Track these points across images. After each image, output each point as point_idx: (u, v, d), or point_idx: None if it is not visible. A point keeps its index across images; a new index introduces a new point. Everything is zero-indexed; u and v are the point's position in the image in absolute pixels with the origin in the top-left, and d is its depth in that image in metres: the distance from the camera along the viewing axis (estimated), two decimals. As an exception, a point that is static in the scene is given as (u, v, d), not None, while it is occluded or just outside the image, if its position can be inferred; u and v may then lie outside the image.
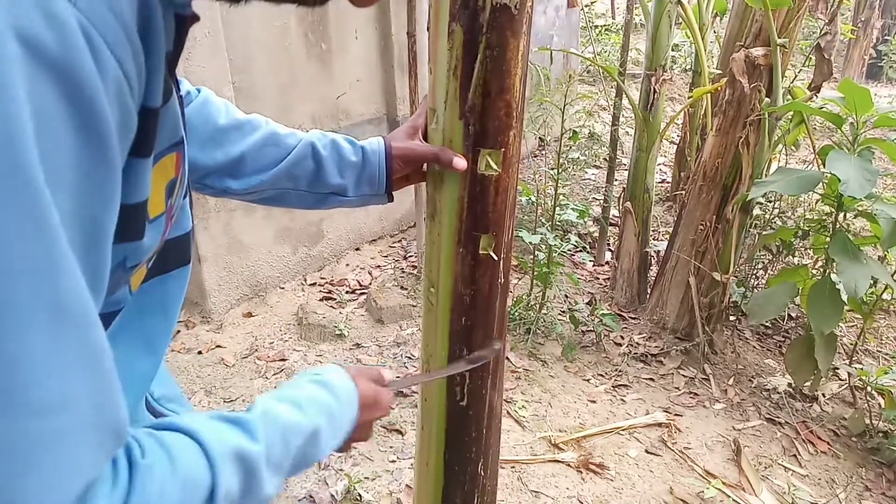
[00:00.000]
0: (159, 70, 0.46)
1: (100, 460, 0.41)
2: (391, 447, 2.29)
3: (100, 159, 0.39)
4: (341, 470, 2.17)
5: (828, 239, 2.44)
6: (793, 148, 3.45)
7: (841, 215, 2.47)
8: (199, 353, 2.75)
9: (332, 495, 2.06)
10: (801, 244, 3.00)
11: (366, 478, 2.14)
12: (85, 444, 0.40)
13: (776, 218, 3.17)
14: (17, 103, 0.34)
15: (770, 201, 3.18)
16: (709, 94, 3.12)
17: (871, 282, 2.29)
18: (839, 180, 2.10)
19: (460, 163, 0.83)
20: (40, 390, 0.36)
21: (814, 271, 2.70)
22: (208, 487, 0.49)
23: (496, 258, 0.91)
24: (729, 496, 2.16)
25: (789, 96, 2.66)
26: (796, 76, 2.90)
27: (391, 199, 0.96)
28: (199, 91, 0.87)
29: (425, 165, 0.93)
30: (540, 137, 5.14)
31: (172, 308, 0.66)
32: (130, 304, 0.58)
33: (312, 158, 0.89)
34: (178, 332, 2.86)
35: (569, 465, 2.25)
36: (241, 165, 0.86)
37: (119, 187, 0.42)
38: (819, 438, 2.48)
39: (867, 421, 2.48)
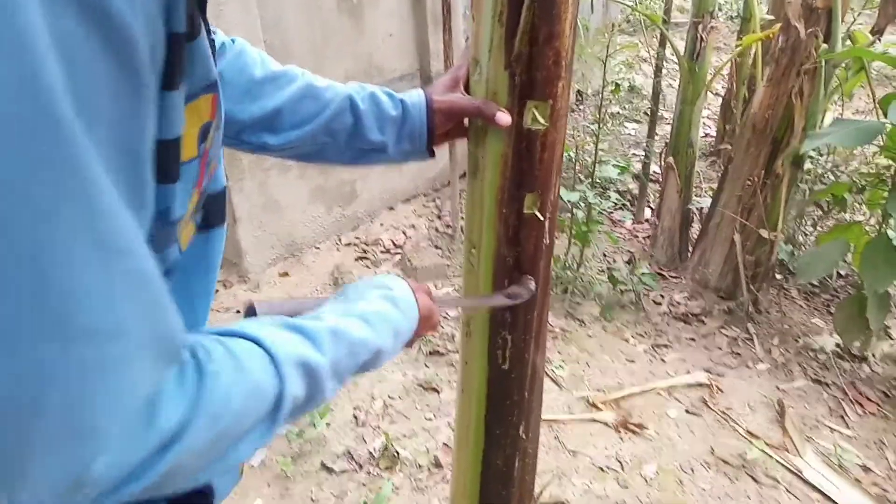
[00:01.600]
0: None
1: (159, 372, 0.43)
2: (427, 405, 2.30)
3: (134, 86, 0.38)
4: (378, 427, 2.19)
5: (885, 194, 2.32)
6: (847, 98, 3.27)
7: (901, 168, 2.34)
8: (238, 311, 2.78)
9: (370, 452, 2.08)
10: (855, 200, 2.86)
11: (403, 435, 2.16)
12: (142, 363, 0.41)
13: (829, 172, 3.02)
14: (35, 30, 0.31)
15: (822, 155, 3.04)
16: (759, 42, 2.95)
17: (931, 239, 2.18)
18: (902, 131, 1.97)
19: (504, 118, 0.78)
20: (93, 317, 0.37)
21: (868, 228, 2.58)
22: (275, 394, 0.51)
23: (542, 218, 0.87)
24: (772, 457, 2.11)
25: (848, 42, 2.50)
26: (855, 20, 2.72)
27: (433, 156, 0.91)
28: (233, 42, 0.83)
29: (467, 120, 0.88)
30: (578, 91, 4.99)
31: (214, 268, 0.66)
32: (179, 264, 0.57)
33: (351, 113, 0.85)
34: (217, 291, 2.90)
35: (607, 425, 2.23)
36: (278, 119, 0.83)
37: (153, 118, 0.41)
38: (868, 399, 2.40)
39: (920, 383, 2.39)
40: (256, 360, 0.50)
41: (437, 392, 2.36)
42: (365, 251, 3.30)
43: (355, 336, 0.61)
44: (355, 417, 2.24)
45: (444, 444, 2.13)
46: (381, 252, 3.29)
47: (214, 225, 0.64)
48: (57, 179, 0.33)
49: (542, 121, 0.79)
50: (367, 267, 3.16)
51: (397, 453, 2.07)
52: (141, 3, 0.37)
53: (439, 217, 3.64)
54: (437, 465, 2.05)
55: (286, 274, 3.09)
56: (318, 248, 3.30)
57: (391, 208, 3.70)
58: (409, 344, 0.75)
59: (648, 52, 4.50)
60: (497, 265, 0.91)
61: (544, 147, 0.81)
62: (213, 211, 0.63)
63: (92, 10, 0.34)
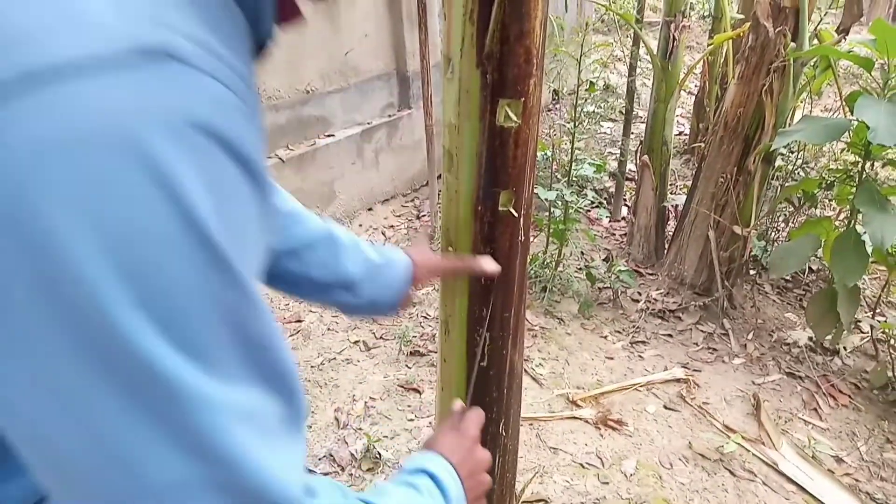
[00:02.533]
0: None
1: (300, 434, 0.46)
2: (409, 406, 2.30)
3: (267, 207, 0.43)
4: (360, 429, 2.18)
5: (853, 189, 2.37)
6: (816, 96, 3.34)
7: (868, 164, 2.39)
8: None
9: (352, 454, 2.08)
10: (824, 195, 2.92)
11: (384, 436, 2.15)
12: (294, 436, 0.44)
13: (799, 169, 3.08)
14: (194, 189, 0.34)
15: (792, 152, 3.09)
16: (730, 41, 3.00)
17: (898, 233, 2.23)
18: (867, 127, 2.01)
19: (490, 265, 0.87)
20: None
21: (837, 223, 2.63)
22: None
23: (516, 215, 0.87)
24: (748, 450, 2.15)
25: (816, 40, 2.55)
26: (822, 19, 2.78)
27: (396, 312, 0.92)
28: None
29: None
30: (554, 90, 5.03)
31: None
32: None
33: (330, 243, 0.84)
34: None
35: (587, 422, 2.25)
36: None
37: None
38: (840, 392, 2.45)
39: (889, 373, 2.45)
40: None
41: (419, 392, 2.36)
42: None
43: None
44: (336, 419, 2.23)
45: (425, 444, 2.13)
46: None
47: None
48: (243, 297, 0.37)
49: (514, 118, 0.80)
50: (346, 268, 3.15)
51: (379, 455, 2.06)
52: (256, 135, 0.42)
53: (418, 217, 3.64)
54: (419, 465, 2.04)
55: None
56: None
57: (370, 209, 3.69)
58: (474, 494, 0.73)
59: (623, 52, 4.54)
60: (473, 263, 0.92)
61: (517, 144, 0.82)
62: None
63: (238, 155, 0.37)
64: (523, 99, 0.79)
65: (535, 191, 2.63)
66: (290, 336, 2.65)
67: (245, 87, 0.40)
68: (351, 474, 2.01)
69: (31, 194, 0.29)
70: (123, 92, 0.31)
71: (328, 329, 2.70)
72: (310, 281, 0.83)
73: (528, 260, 2.87)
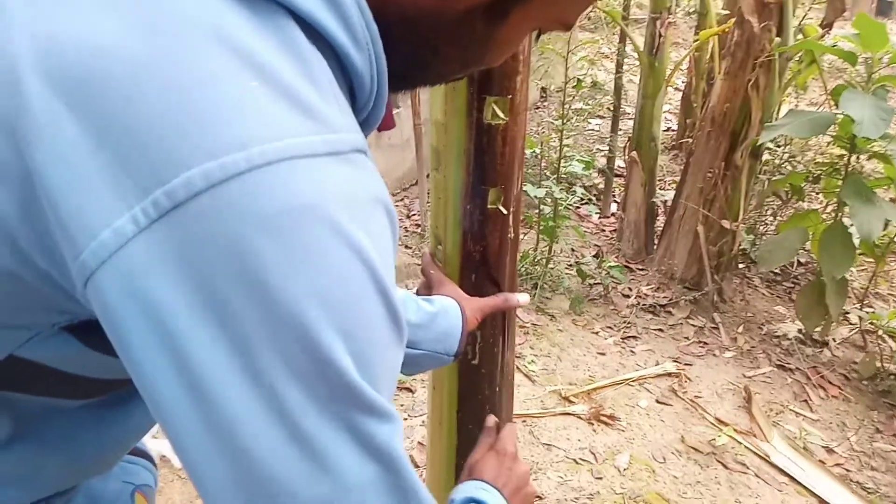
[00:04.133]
0: None
1: None
2: (402, 405, 2.29)
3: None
4: None
5: (839, 182, 2.39)
6: (802, 90, 3.36)
7: (854, 157, 2.41)
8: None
9: (346, 455, 2.07)
10: (811, 189, 2.94)
11: (378, 436, 2.15)
12: None
13: (786, 163, 3.10)
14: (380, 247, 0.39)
15: (780, 146, 3.12)
16: (716, 37, 3.02)
17: (884, 224, 2.25)
18: (852, 121, 2.04)
19: (524, 298, 0.92)
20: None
21: (825, 216, 2.66)
22: None
23: (505, 212, 0.87)
24: (740, 443, 2.16)
25: (800, 35, 2.57)
26: (806, 14, 2.80)
27: (455, 359, 0.89)
28: None
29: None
30: (542, 88, 5.04)
31: None
32: None
33: None
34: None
35: (580, 418, 2.26)
36: None
37: None
38: (830, 383, 2.48)
39: (878, 364, 2.47)
40: None
41: (411, 392, 2.35)
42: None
43: None
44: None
45: (420, 442, 2.12)
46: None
47: None
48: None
49: (501, 115, 0.80)
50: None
51: (372, 455, 2.06)
52: None
53: (409, 216, 3.64)
54: (414, 464, 2.04)
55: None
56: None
57: (359, 209, 3.67)
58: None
59: (610, 49, 4.56)
60: (463, 261, 0.92)
61: (505, 141, 0.82)
62: None
63: (390, 214, 0.42)
64: (510, 96, 0.79)
65: (525, 188, 2.64)
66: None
67: None
68: (345, 475, 2.01)
69: (255, 262, 0.33)
70: (340, 178, 0.37)
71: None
72: None
73: (518, 257, 2.82)
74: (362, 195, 0.39)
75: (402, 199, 3.85)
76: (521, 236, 3.29)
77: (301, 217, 0.34)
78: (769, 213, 3.16)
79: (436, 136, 0.87)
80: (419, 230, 3.44)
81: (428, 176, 3.23)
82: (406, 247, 3.30)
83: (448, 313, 0.84)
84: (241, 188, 0.32)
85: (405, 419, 2.23)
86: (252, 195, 0.33)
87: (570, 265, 3.16)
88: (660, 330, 2.77)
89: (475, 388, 1.03)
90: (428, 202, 3.29)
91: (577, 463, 2.06)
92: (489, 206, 0.86)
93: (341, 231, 0.36)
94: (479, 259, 0.90)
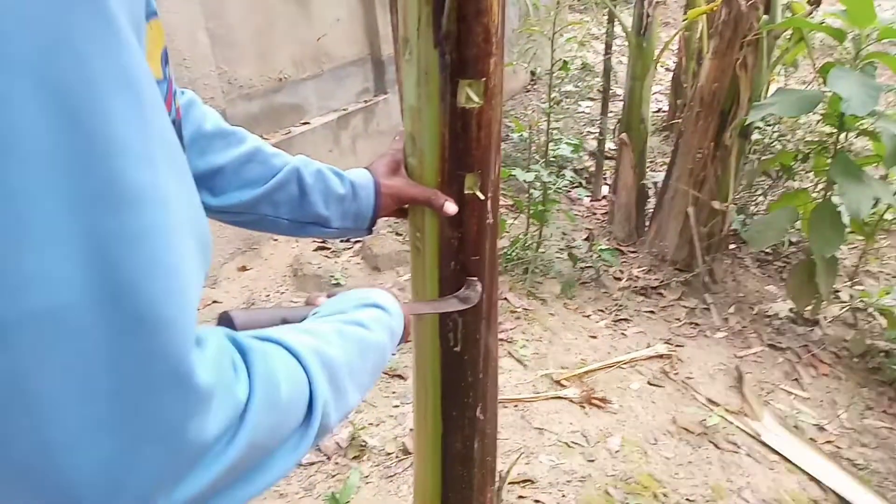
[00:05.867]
0: None
1: (201, 275, 0.41)
2: (394, 392, 2.29)
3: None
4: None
5: (829, 160, 2.38)
6: (791, 69, 3.34)
7: (842, 135, 2.40)
8: (196, 309, 2.72)
9: (337, 443, 2.07)
10: (801, 168, 2.93)
11: (370, 424, 2.15)
12: (189, 245, 0.39)
13: (775, 142, 3.09)
14: None
15: (769, 125, 3.10)
16: (705, 16, 2.99)
17: (873, 202, 2.25)
18: (841, 98, 2.02)
19: (452, 207, 0.84)
20: (139, 178, 0.35)
21: (814, 195, 2.65)
22: (307, 392, 0.50)
23: (483, 197, 0.86)
24: (732, 423, 2.17)
25: (788, 13, 2.55)
26: (795, -9, 2.77)
27: (370, 233, 0.93)
28: (183, 93, 0.78)
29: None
30: (531, 71, 5.00)
31: None
32: None
33: (297, 184, 0.82)
34: (174, 290, 2.83)
35: (571, 401, 2.26)
36: (222, 179, 0.79)
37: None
38: (821, 361, 2.48)
39: (868, 342, 2.48)
40: (284, 357, 0.49)
41: (403, 379, 2.35)
42: (324, 241, 3.26)
43: (359, 335, 0.61)
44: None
45: (411, 429, 2.12)
46: (341, 241, 3.26)
47: None
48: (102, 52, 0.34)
49: (476, 99, 0.78)
50: (327, 257, 3.13)
51: (365, 442, 2.06)
52: None
53: (398, 204, 3.61)
54: (406, 451, 2.05)
55: (245, 268, 3.04)
56: (275, 240, 3.25)
57: (349, 197, 3.65)
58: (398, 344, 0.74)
59: (599, 29, 4.52)
60: (442, 247, 0.90)
61: (480, 126, 0.80)
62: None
63: None
64: (484, 79, 0.78)
65: (514, 173, 2.62)
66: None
67: None
68: (337, 463, 2.01)
69: None
70: None
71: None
72: (285, 220, 0.84)
73: (508, 242, 2.82)
74: None
75: (392, 186, 3.82)
76: (512, 221, 3.28)
77: None
78: (759, 192, 3.16)
79: (409, 122, 0.85)
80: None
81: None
82: (397, 234, 3.29)
83: (360, 192, 0.86)
84: None
85: (397, 406, 2.23)
86: None
87: (562, 249, 3.15)
88: (651, 312, 2.77)
89: (458, 375, 1.02)
90: (418, 188, 3.27)
91: (568, 446, 2.07)
92: (466, 192, 0.85)
93: None
94: (458, 245, 0.89)
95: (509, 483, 1.90)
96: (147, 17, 0.46)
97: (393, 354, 0.74)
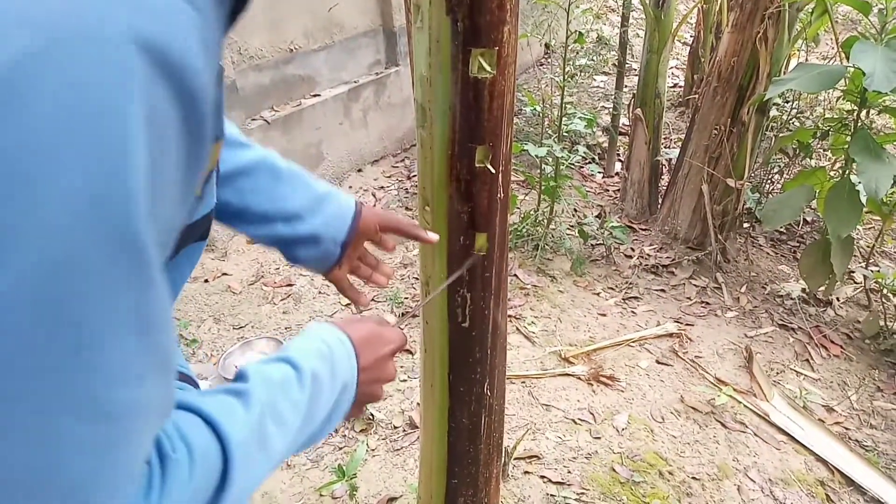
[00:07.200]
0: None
1: (150, 445, 0.42)
2: (402, 367, 2.30)
3: (198, 156, 0.39)
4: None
5: (848, 138, 2.33)
6: (812, 44, 3.26)
7: (864, 112, 2.34)
8: (206, 281, 2.74)
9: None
10: (819, 145, 2.87)
11: (378, 397, 2.16)
12: (149, 435, 0.41)
13: (794, 119, 3.03)
14: (131, 124, 0.31)
15: (787, 101, 3.04)
16: (724, -12, 2.91)
17: (893, 181, 2.20)
18: (863, 74, 1.96)
19: (433, 237, 0.84)
20: (124, 397, 0.36)
21: (832, 173, 2.60)
22: (220, 471, 0.48)
23: (494, 171, 0.84)
24: (740, 402, 2.16)
25: (812, -16, 2.47)
26: (820, -38, 2.68)
27: (340, 258, 0.86)
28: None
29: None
30: (546, 44, 4.92)
31: (189, 274, 0.62)
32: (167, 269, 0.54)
33: (269, 171, 0.79)
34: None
35: (579, 378, 2.26)
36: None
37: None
38: (832, 342, 2.46)
39: (881, 323, 2.45)
40: (205, 438, 0.48)
41: (411, 353, 2.36)
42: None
43: (277, 372, 0.57)
44: (329, 382, 2.23)
45: (418, 404, 2.13)
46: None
47: (202, 238, 0.60)
48: (115, 267, 0.33)
49: (488, 69, 0.76)
50: (337, 231, 3.11)
51: (372, 416, 2.07)
52: (211, 65, 0.38)
53: (409, 177, 3.59)
54: (413, 425, 2.06)
55: (253, 241, 3.03)
56: (285, 213, 3.24)
57: (360, 170, 3.63)
58: (375, 372, 0.67)
59: (616, 2, 4.42)
60: (451, 222, 0.89)
61: (492, 96, 0.78)
62: (193, 231, 0.59)
63: (182, 91, 0.34)
64: (497, 48, 0.75)
65: (526, 147, 2.58)
66: (282, 300, 2.64)
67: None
68: (344, 436, 2.02)
69: None
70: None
71: (319, 293, 2.69)
72: (249, 212, 0.79)
73: (518, 218, 2.79)
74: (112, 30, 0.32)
75: (402, 160, 3.79)
76: (523, 197, 3.25)
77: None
78: (775, 170, 3.10)
79: (420, 92, 0.83)
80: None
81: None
82: (406, 209, 3.27)
83: (338, 200, 0.84)
84: None
85: (405, 381, 2.24)
86: None
87: (572, 226, 3.12)
88: (662, 290, 2.75)
89: (466, 350, 1.01)
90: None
91: (575, 423, 2.07)
92: (477, 165, 0.83)
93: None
94: (468, 220, 0.87)
95: (515, 458, 1.90)
96: (214, 139, 0.45)
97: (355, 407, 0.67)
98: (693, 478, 1.90)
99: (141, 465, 0.41)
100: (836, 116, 2.64)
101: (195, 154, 0.39)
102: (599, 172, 3.57)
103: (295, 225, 0.80)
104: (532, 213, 2.97)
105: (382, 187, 3.51)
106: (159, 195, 0.35)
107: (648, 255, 2.96)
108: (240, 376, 0.56)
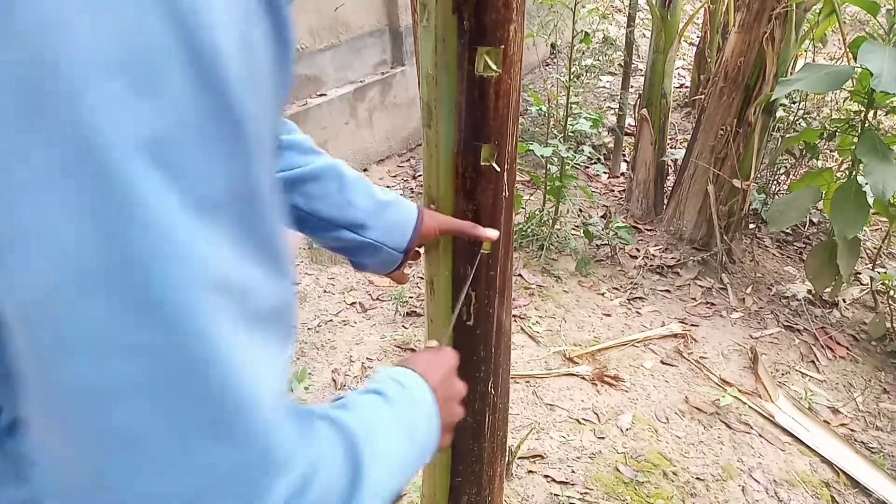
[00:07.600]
0: None
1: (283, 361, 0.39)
2: (406, 366, 2.30)
3: (284, 71, 0.37)
4: (355, 389, 2.19)
5: (855, 139, 2.32)
6: (820, 44, 3.25)
7: (871, 113, 2.33)
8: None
9: (350, 414, 2.09)
10: (826, 146, 2.86)
11: (382, 396, 2.16)
12: (269, 335, 0.36)
13: (800, 120, 3.02)
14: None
15: (794, 102, 3.03)
16: (731, -12, 2.91)
17: (900, 183, 2.19)
18: (871, 74, 1.96)
19: (492, 233, 0.86)
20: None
21: (839, 174, 2.59)
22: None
23: (499, 169, 0.84)
24: (745, 403, 2.16)
25: (819, -15, 2.46)
26: (827, -38, 2.67)
27: (404, 261, 0.88)
28: None
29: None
30: (552, 44, 4.91)
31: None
32: None
33: (336, 179, 0.80)
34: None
35: (583, 378, 2.26)
36: None
37: None
38: (838, 344, 2.45)
39: (888, 325, 2.44)
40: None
41: (415, 352, 2.36)
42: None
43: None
44: (334, 380, 2.24)
45: (423, 402, 2.14)
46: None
47: None
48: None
49: (494, 67, 0.76)
50: (342, 230, 3.12)
51: (376, 414, 2.07)
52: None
53: (414, 177, 3.60)
54: (416, 423, 2.06)
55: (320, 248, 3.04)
56: (291, 212, 3.25)
57: (365, 170, 3.64)
58: (449, 409, 0.66)
59: (622, 2, 4.41)
60: (457, 219, 0.89)
61: (498, 95, 0.78)
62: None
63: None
64: (503, 46, 0.75)
65: (531, 147, 2.58)
66: (287, 298, 2.64)
67: None
68: (349, 434, 2.02)
69: None
70: None
71: (324, 291, 2.69)
72: (315, 217, 0.80)
73: (523, 218, 2.78)
74: None
75: (407, 160, 3.80)
76: (528, 197, 3.25)
77: None
78: (782, 171, 3.09)
79: (426, 90, 0.83)
80: (425, 190, 3.40)
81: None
82: (412, 207, 3.28)
83: (402, 207, 0.85)
84: None
85: (409, 379, 2.24)
86: None
87: (577, 226, 3.12)
88: (667, 291, 2.75)
89: (471, 349, 1.02)
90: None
91: (579, 423, 2.07)
92: (482, 164, 0.83)
93: None
94: (472, 218, 0.88)
95: (519, 458, 1.90)
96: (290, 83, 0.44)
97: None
98: (697, 478, 1.89)
99: (280, 381, 0.37)
100: (843, 117, 2.63)
101: (281, 67, 0.36)
102: (605, 173, 3.57)
103: (359, 232, 0.82)
104: (537, 213, 2.97)
105: (388, 186, 3.52)
106: (254, 74, 0.33)
107: (653, 255, 2.95)
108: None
